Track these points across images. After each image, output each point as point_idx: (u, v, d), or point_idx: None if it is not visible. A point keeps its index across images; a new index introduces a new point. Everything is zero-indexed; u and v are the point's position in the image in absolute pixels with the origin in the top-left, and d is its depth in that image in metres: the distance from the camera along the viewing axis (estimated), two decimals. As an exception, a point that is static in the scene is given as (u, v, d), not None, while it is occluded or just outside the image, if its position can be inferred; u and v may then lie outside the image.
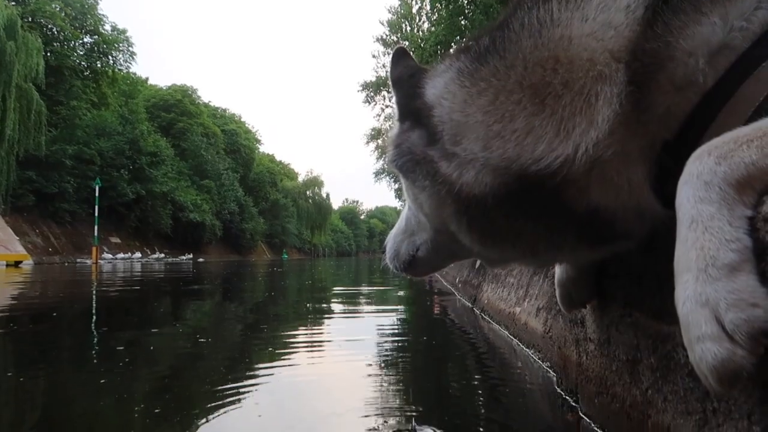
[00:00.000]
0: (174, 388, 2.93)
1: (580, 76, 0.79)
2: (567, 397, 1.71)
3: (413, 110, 0.97)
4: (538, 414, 1.78)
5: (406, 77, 1.03)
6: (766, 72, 0.72)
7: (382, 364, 2.85)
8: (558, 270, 1.17)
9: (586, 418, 1.46)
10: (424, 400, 2.06)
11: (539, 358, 2.30)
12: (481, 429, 1.67)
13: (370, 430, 1.61)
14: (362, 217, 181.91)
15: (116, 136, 50.66)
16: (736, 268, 0.60)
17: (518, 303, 2.77)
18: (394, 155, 1.01)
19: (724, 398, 0.76)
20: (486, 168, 0.84)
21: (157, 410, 2.34)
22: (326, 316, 5.86)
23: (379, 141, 61.95)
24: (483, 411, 1.95)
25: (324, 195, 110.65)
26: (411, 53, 1.14)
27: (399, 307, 6.34)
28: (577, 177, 0.80)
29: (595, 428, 1.37)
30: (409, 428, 1.45)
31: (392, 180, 61.71)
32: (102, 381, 3.08)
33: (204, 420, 2.17)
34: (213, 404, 2.30)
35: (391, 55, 1.11)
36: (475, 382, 2.35)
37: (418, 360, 3.00)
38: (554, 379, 1.92)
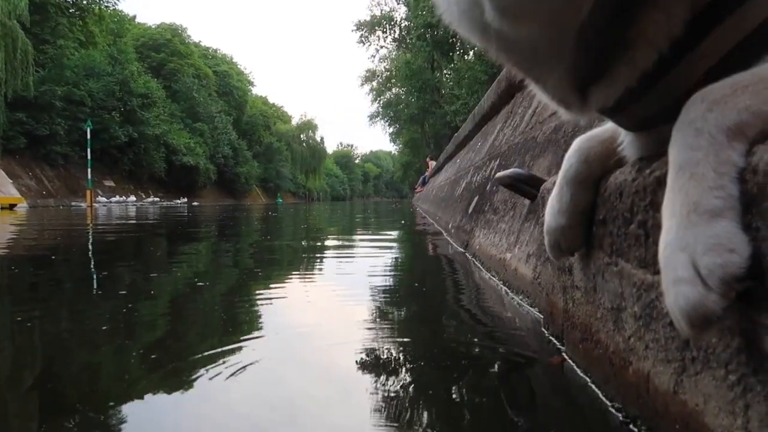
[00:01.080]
0: (172, 337, 3.01)
1: None
2: (553, 341, 1.77)
3: None
4: (526, 349, 1.85)
5: None
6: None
7: (375, 306, 2.93)
8: (547, 217, 1.17)
9: (570, 361, 1.52)
10: (416, 333, 2.13)
11: (529, 304, 2.36)
12: (476, 351, 1.75)
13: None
14: (357, 161, 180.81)
15: (106, 77, 49.53)
16: (717, 215, 0.59)
17: (509, 249, 2.80)
18: None
19: (702, 347, 0.79)
20: None
21: (154, 357, 2.41)
22: (319, 257, 5.94)
23: (374, 83, 60.93)
24: (475, 339, 2.03)
25: (318, 139, 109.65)
26: None
27: (394, 246, 6.41)
28: None
29: (579, 372, 1.42)
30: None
31: (387, 124, 61.08)
32: (103, 328, 3.15)
33: (203, 370, 2.25)
34: (214, 352, 2.36)
35: None
36: (464, 322, 2.42)
37: (411, 304, 3.08)
38: (542, 322, 1.97)
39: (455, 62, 37.30)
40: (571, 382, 1.40)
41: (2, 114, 39.66)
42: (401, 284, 3.85)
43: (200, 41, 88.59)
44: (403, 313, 2.81)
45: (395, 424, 1.24)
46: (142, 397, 1.79)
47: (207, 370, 2.13)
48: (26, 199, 37.18)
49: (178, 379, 2.20)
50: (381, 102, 59.09)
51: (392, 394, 1.43)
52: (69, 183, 47.03)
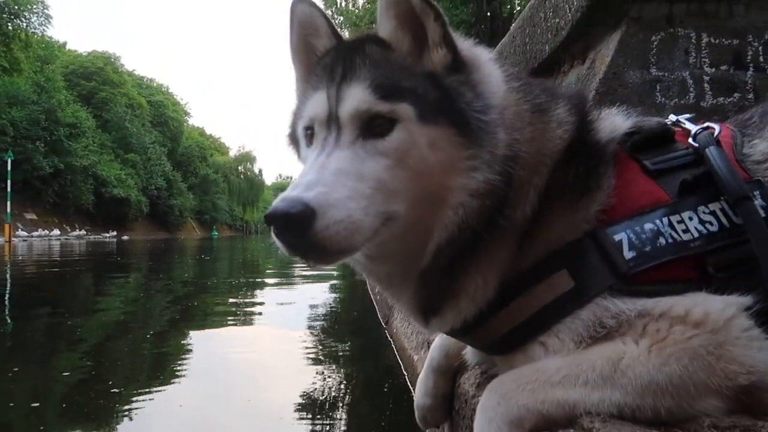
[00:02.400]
0: (94, 381, 2.87)
1: None
2: None
3: None
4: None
5: None
6: (563, 277, 0.95)
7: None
8: (417, 396, 1.36)
9: None
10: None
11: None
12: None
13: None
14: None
15: (31, 105, 47.36)
16: None
17: (417, 350, 2.75)
18: None
19: None
20: None
21: (77, 406, 2.30)
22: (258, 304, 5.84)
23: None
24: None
25: (257, 171, 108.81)
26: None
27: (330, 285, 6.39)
28: None
29: None
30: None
31: (326, 157, 61.20)
32: (15, 373, 2.96)
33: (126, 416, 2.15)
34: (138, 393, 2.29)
35: None
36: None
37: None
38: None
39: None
40: None
41: None
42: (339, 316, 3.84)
43: (134, 70, 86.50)
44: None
45: None
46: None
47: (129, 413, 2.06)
48: (-65, 233, 34.61)
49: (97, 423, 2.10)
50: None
51: None
52: (-15, 216, 44.19)
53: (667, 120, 1.24)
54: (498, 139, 0.95)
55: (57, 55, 64.19)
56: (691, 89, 2.36)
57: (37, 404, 2.51)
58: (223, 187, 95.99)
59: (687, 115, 1.25)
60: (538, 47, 3.11)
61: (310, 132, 1.03)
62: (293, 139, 1.13)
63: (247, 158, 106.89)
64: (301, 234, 0.83)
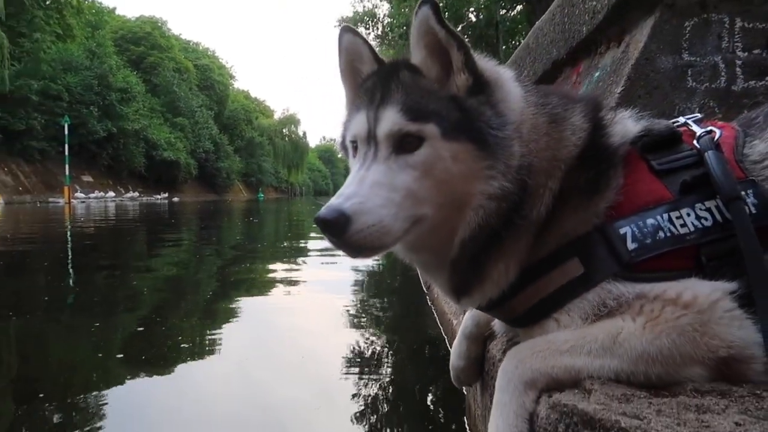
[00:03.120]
0: (149, 335, 3.19)
1: None
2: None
3: None
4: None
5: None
6: (575, 264, 1.11)
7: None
8: (452, 357, 1.54)
9: None
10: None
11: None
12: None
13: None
14: (340, 155, 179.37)
15: (84, 71, 48.84)
16: None
17: (456, 315, 2.89)
18: None
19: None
20: None
21: (134, 355, 2.60)
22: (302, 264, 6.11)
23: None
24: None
25: (301, 133, 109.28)
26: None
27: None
28: None
29: None
30: None
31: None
32: (80, 327, 3.30)
33: (182, 363, 2.43)
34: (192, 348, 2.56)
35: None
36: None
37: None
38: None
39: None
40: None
41: (-23, 108, 38.95)
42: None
43: (180, 34, 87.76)
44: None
45: None
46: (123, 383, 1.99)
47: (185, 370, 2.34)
48: (2, 195, 36.63)
49: (159, 366, 2.41)
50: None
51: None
52: (46, 179, 46.36)
53: (676, 121, 1.37)
54: (513, 151, 1.13)
55: (107, 21, 65.52)
56: (723, 73, 2.41)
57: (101, 354, 2.83)
58: (269, 150, 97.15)
59: (695, 116, 1.38)
60: (576, 27, 3.16)
61: (354, 145, 1.24)
62: (343, 146, 1.35)
63: (291, 121, 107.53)
64: (339, 235, 1.05)
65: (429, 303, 3.94)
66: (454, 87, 1.17)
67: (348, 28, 1.34)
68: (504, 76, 1.23)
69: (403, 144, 1.13)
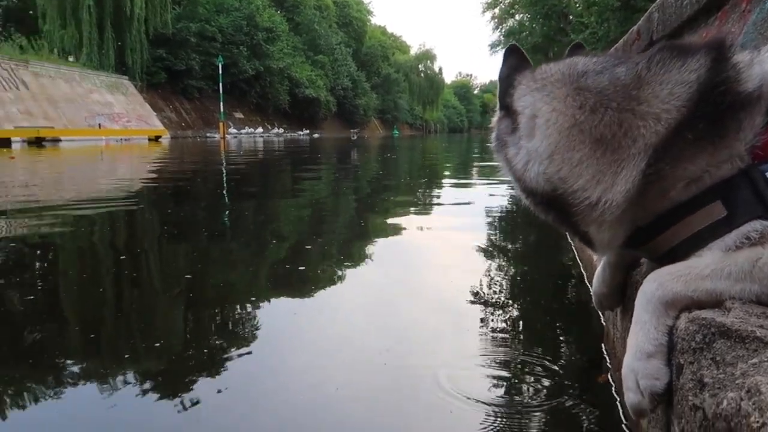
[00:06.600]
0: (297, 259, 3.45)
1: (629, 143, 1.10)
2: (605, 357, 1.97)
3: (504, 105, 1.28)
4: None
5: (504, 76, 1.31)
6: (718, 207, 1.06)
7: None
8: (595, 283, 1.54)
9: (611, 382, 1.81)
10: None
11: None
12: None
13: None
14: (475, 91, 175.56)
15: (234, 12, 51.74)
16: (651, 355, 1.01)
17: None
18: (492, 137, 1.34)
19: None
20: (541, 174, 1.18)
21: (283, 276, 2.83)
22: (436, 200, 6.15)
23: (496, 10, 58.07)
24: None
25: (436, 69, 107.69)
26: (521, 49, 1.35)
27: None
28: (584, 213, 1.16)
29: (614, 392, 1.73)
30: None
31: (509, 53, 58.28)
32: (236, 251, 3.64)
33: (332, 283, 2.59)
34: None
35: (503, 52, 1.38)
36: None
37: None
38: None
39: (585, -15, 34.32)
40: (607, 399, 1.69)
41: (145, 51, 43.11)
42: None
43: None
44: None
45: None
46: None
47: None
48: (168, 131, 40.77)
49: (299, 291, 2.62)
50: (503, 30, 56.32)
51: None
52: (204, 115, 50.72)
53: None
54: None
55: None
56: None
57: (251, 276, 3.09)
58: (404, 86, 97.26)
59: None
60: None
61: None
62: None
63: (427, 56, 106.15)
64: None
65: (568, 238, 3.84)
66: None
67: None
68: None
69: None
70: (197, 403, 1.65)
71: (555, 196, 1.18)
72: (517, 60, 1.32)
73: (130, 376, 1.83)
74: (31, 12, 41.58)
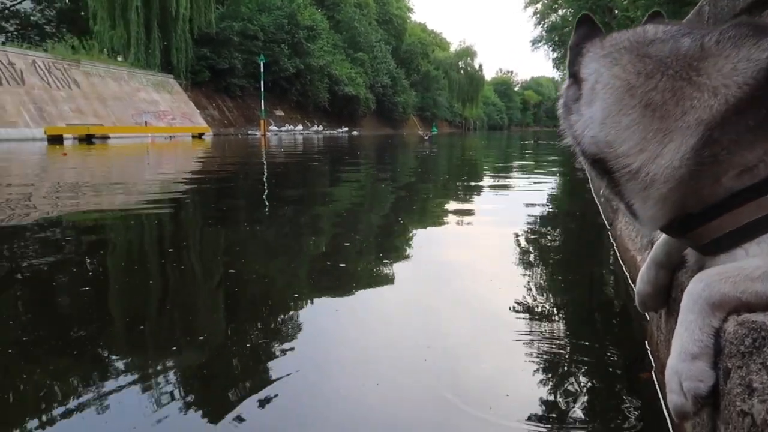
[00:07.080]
0: (335, 254, 3.51)
1: (678, 114, 1.05)
2: (649, 356, 1.94)
3: (572, 73, 1.26)
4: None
5: (573, 45, 1.29)
6: None
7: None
8: (638, 283, 1.49)
9: (655, 380, 1.76)
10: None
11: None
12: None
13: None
14: (516, 88, 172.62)
15: (275, 11, 52.47)
16: (696, 357, 0.98)
17: (640, 251, 2.76)
18: (559, 104, 1.31)
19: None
20: (593, 138, 1.16)
21: (324, 268, 2.88)
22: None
23: (538, 6, 57.15)
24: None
25: (476, 66, 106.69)
26: (593, 18, 1.32)
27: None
28: (627, 181, 1.12)
29: (659, 391, 1.69)
30: None
31: (551, 49, 57.60)
32: (275, 240, 3.72)
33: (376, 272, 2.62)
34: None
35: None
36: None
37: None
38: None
39: (632, -22, 33.39)
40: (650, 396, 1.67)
41: (190, 50, 44.16)
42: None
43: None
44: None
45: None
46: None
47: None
48: (211, 128, 41.68)
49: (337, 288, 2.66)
50: (545, 26, 55.43)
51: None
52: (245, 113, 51.65)
53: None
54: None
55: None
56: None
57: (288, 268, 3.14)
58: (444, 84, 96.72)
59: None
60: None
61: None
62: None
63: (467, 53, 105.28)
64: None
65: (611, 238, 3.76)
66: None
67: None
68: None
69: None
70: (244, 391, 1.69)
71: (600, 159, 1.15)
72: (588, 29, 1.29)
73: (175, 368, 1.89)
74: (82, 13, 43.11)
